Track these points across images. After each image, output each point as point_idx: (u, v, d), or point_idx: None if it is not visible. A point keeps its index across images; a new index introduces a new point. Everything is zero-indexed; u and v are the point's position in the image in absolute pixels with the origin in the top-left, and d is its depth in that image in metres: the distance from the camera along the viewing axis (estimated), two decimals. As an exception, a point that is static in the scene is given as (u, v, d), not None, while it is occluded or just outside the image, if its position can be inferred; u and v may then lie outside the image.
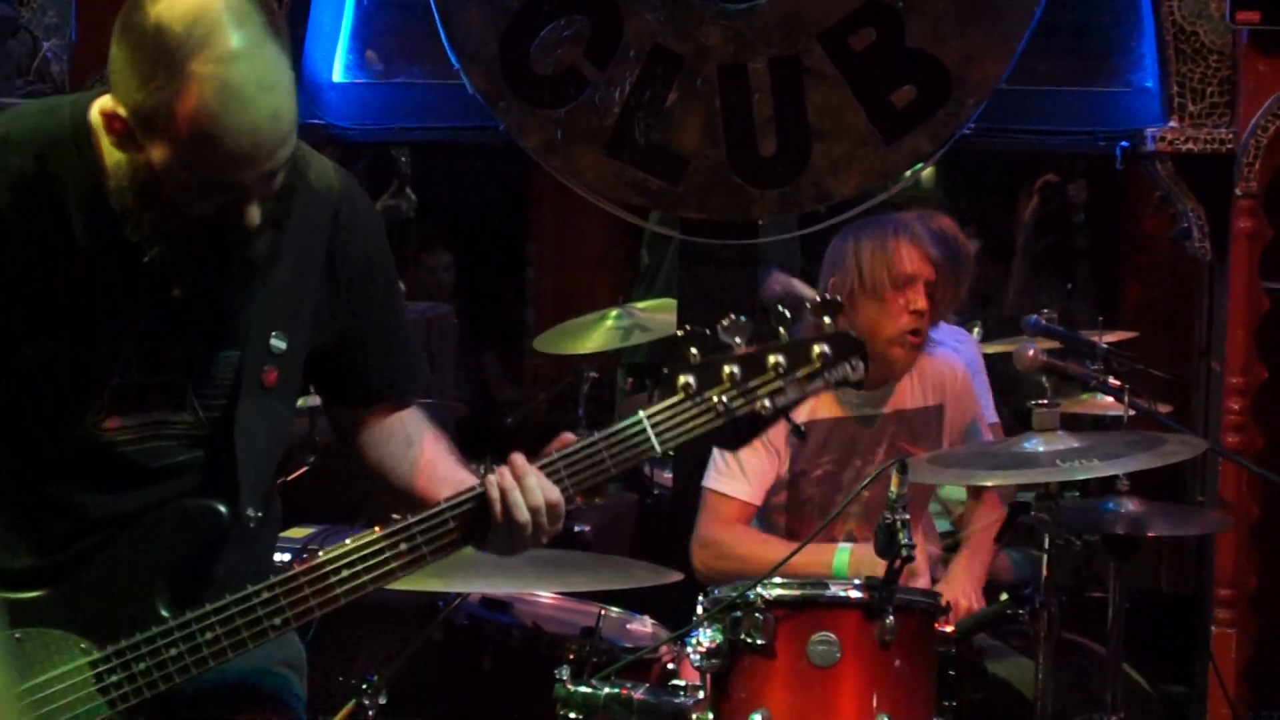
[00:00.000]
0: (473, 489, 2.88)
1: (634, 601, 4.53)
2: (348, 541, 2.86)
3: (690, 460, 5.12)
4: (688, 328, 2.81)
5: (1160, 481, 5.41)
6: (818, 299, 2.91)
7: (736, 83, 5.42)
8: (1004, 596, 4.26)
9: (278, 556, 4.82)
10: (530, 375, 9.36)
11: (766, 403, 2.80)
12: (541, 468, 2.86)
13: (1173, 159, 5.32)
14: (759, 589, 3.81)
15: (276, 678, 3.05)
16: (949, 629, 4.05)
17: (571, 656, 4.20)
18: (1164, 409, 5.16)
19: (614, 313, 6.53)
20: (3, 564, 2.84)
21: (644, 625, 4.57)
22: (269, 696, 3.03)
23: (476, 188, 9.24)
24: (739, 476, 4.60)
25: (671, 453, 2.89)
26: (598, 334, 6.51)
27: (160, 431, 2.83)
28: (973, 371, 4.92)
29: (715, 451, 4.63)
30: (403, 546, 2.86)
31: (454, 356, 7.33)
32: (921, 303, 4.54)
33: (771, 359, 2.80)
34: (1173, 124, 5.35)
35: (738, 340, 2.80)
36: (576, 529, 5.80)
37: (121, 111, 2.61)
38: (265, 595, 2.80)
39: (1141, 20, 5.58)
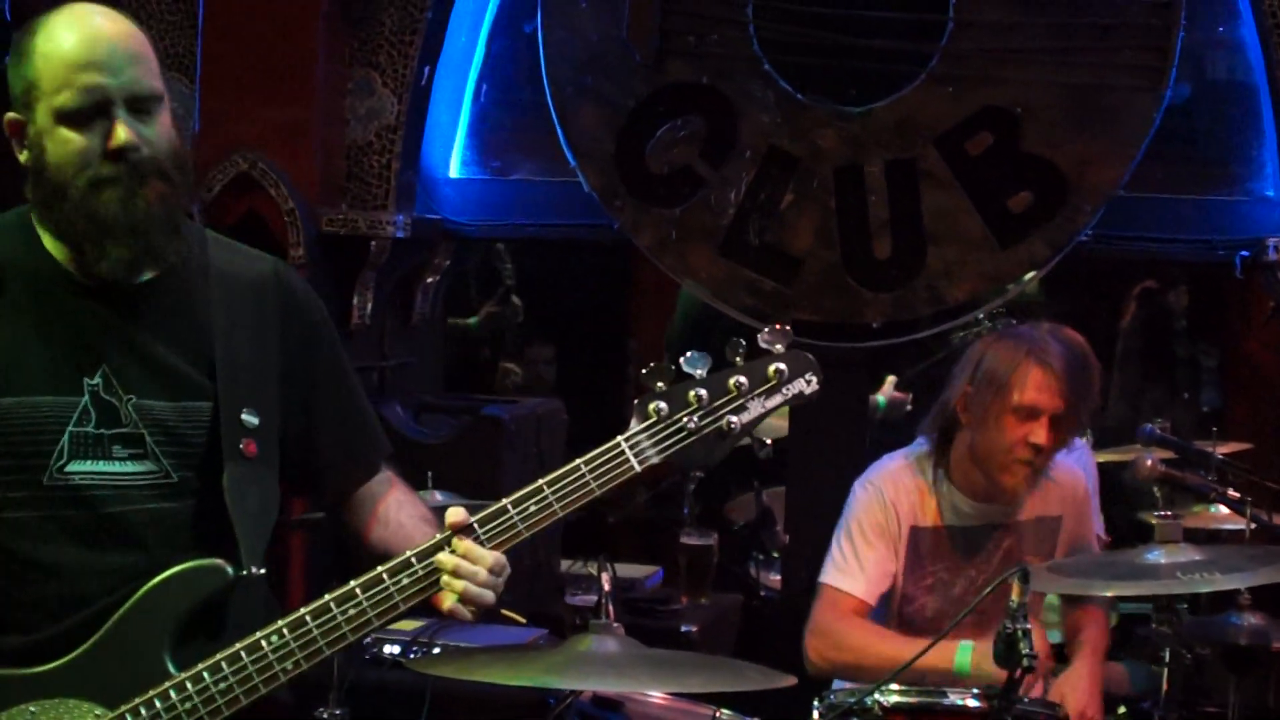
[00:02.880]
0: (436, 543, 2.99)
1: (745, 704, 4.49)
2: (351, 581, 2.95)
3: (799, 564, 5.09)
4: (651, 365, 3.01)
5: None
6: (767, 330, 3.08)
7: (852, 185, 5.43)
8: (1122, 710, 4.21)
9: (388, 649, 4.89)
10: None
11: (731, 419, 3.00)
12: (529, 494, 2.98)
13: (1293, 269, 5.29)
14: (876, 695, 3.77)
15: None
16: (1067, 739, 4.00)
17: (682, 758, 4.17)
18: (1281, 522, 5.08)
19: (721, 412, 6.51)
20: (12, 641, 2.92)
21: (755, 729, 4.53)
22: None
23: (579, 282, 9.28)
24: (857, 573, 4.55)
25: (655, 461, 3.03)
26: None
27: (129, 481, 2.94)
28: (1092, 486, 4.86)
29: (834, 546, 4.60)
30: (404, 580, 2.96)
31: (563, 452, 7.33)
32: (1042, 437, 4.42)
33: (732, 380, 3.00)
34: (1294, 234, 5.32)
35: (699, 371, 3.01)
36: (683, 629, 5.76)
37: (14, 115, 2.93)
38: (275, 640, 2.90)
39: (1263, 128, 5.56)
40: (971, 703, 3.77)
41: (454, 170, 6.49)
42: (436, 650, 4.93)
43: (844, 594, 4.55)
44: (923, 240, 5.40)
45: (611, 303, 9.61)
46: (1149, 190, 5.69)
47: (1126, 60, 5.32)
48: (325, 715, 4.44)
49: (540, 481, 2.99)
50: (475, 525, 2.98)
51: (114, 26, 2.92)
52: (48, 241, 2.98)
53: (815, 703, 3.95)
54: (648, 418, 2.99)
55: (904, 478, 4.62)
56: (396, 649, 4.95)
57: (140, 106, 2.91)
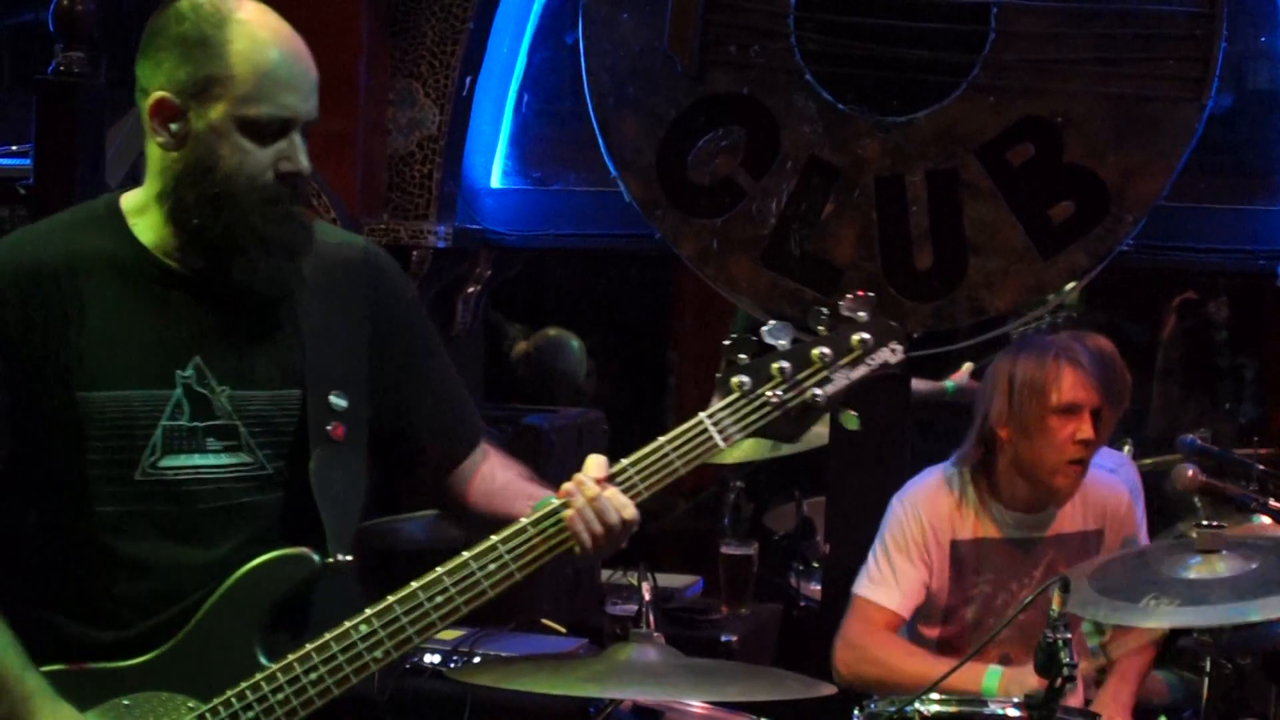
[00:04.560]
0: (554, 509, 2.97)
1: (785, 714, 4.49)
2: (437, 569, 2.94)
3: (840, 574, 5.09)
4: (734, 336, 2.97)
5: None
6: (849, 296, 3.03)
7: (893, 195, 5.43)
8: (1161, 719, 4.19)
9: (428, 658, 4.91)
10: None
11: (816, 392, 2.96)
12: (615, 475, 2.96)
13: (1335, 278, 5.27)
14: (916, 705, 3.77)
15: None
16: (1106, 750, 3.99)
17: (722, 767, 4.18)
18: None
19: (761, 422, 6.51)
20: (105, 636, 2.92)
21: (794, 738, 4.53)
22: None
23: (620, 293, 9.28)
24: (891, 586, 4.56)
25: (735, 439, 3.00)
26: (745, 443, 6.44)
27: (222, 474, 2.94)
28: (1136, 500, 4.85)
29: (869, 559, 4.61)
30: (491, 566, 2.95)
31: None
32: (1089, 431, 4.46)
33: (815, 351, 2.95)
34: (1336, 243, 5.31)
35: (782, 342, 2.96)
36: (723, 639, 5.76)
37: (170, 97, 2.87)
38: (364, 629, 2.90)
39: (1304, 138, 5.55)
40: (1011, 712, 3.77)
41: (495, 180, 6.51)
42: (477, 659, 4.94)
43: (876, 606, 4.56)
44: (964, 250, 5.39)
45: (652, 314, 9.62)
46: (1190, 200, 5.68)
47: (1168, 71, 5.31)
48: (366, 723, 4.46)
49: (624, 461, 2.97)
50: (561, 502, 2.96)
51: (301, 45, 2.94)
52: (140, 229, 2.96)
53: (855, 712, 3.95)
54: (730, 392, 2.95)
55: (940, 494, 4.63)
56: (437, 658, 4.96)
57: (307, 131, 2.94)
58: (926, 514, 4.59)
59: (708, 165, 5.56)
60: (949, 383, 7.09)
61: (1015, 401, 4.50)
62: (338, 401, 2.99)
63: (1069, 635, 3.60)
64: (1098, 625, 5.39)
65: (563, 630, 5.38)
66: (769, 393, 2.95)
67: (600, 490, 2.96)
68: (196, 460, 2.92)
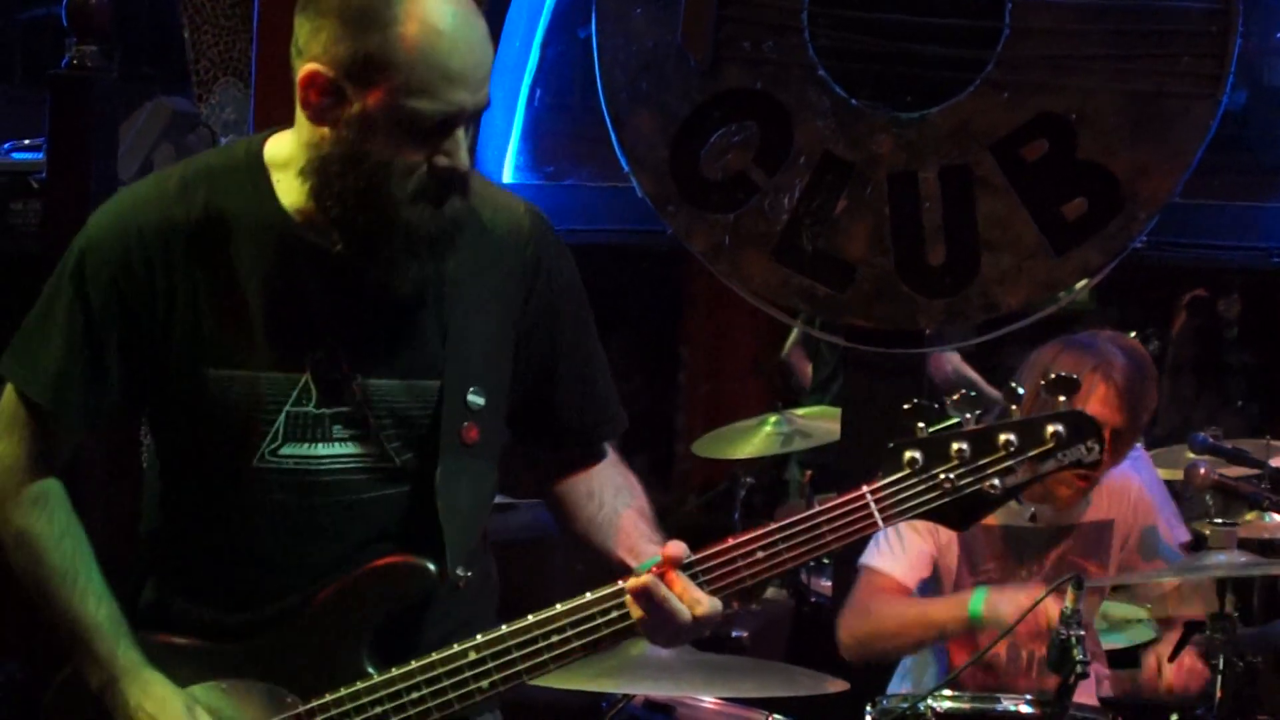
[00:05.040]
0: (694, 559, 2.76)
1: (797, 709, 4.49)
2: (557, 605, 2.77)
3: (851, 571, 5.08)
4: (915, 401, 2.74)
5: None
6: (1054, 376, 2.81)
7: (906, 191, 5.43)
8: (1174, 717, 4.19)
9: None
10: (679, 479, 9.35)
11: (996, 482, 2.70)
12: (760, 537, 2.75)
13: (1349, 274, 5.27)
14: (929, 701, 3.78)
15: None
16: (1120, 747, 3.99)
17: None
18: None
19: (773, 418, 6.52)
20: (209, 615, 2.84)
21: (806, 734, 4.54)
22: None
23: (631, 289, 9.30)
24: (898, 555, 4.54)
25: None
26: (756, 439, 6.50)
27: (346, 465, 2.79)
28: (1151, 489, 4.83)
29: (879, 533, 4.59)
30: (614, 614, 2.76)
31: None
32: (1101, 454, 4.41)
33: (1002, 437, 2.70)
34: (1349, 240, 5.30)
35: (967, 416, 2.71)
36: (734, 634, 5.77)
37: (326, 71, 2.61)
38: (472, 656, 2.76)
39: (1318, 136, 5.54)
40: (1024, 709, 3.77)
41: (507, 175, 6.53)
42: (488, 653, 4.94)
43: (881, 573, 4.53)
44: (977, 246, 5.39)
45: (663, 309, 9.64)
46: (1204, 197, 5.68)
47: (1183, 67, 5.30)
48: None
49: (773, 525, 2.76)
50: (692, 562, 2.74)
51: (479, 31, 2.65)
52: (283, 188, 2.75)
53: (868, 708, 3.94)
54: (900, 469, 2.70)
55: (958, 474, 4.62)
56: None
57: (476, 120, 2.74)
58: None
59: (720, 161, 5.55)
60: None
61: (1041, 396, 4.48)
62: (475, 400, 2.81)
63: (1082, 632, 3.61)
64: (1113, 626, 5.41)
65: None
66: (943, 475, 2.69)
67: (667, 596, 2.73)
68: (320, 450, 2.77)
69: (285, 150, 2.77)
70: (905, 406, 2.73)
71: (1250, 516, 5.75)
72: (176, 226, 2.73)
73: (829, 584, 6.18)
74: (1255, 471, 5.26)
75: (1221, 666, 4.03)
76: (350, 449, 2.79)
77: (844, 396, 5.94)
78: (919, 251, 5.42)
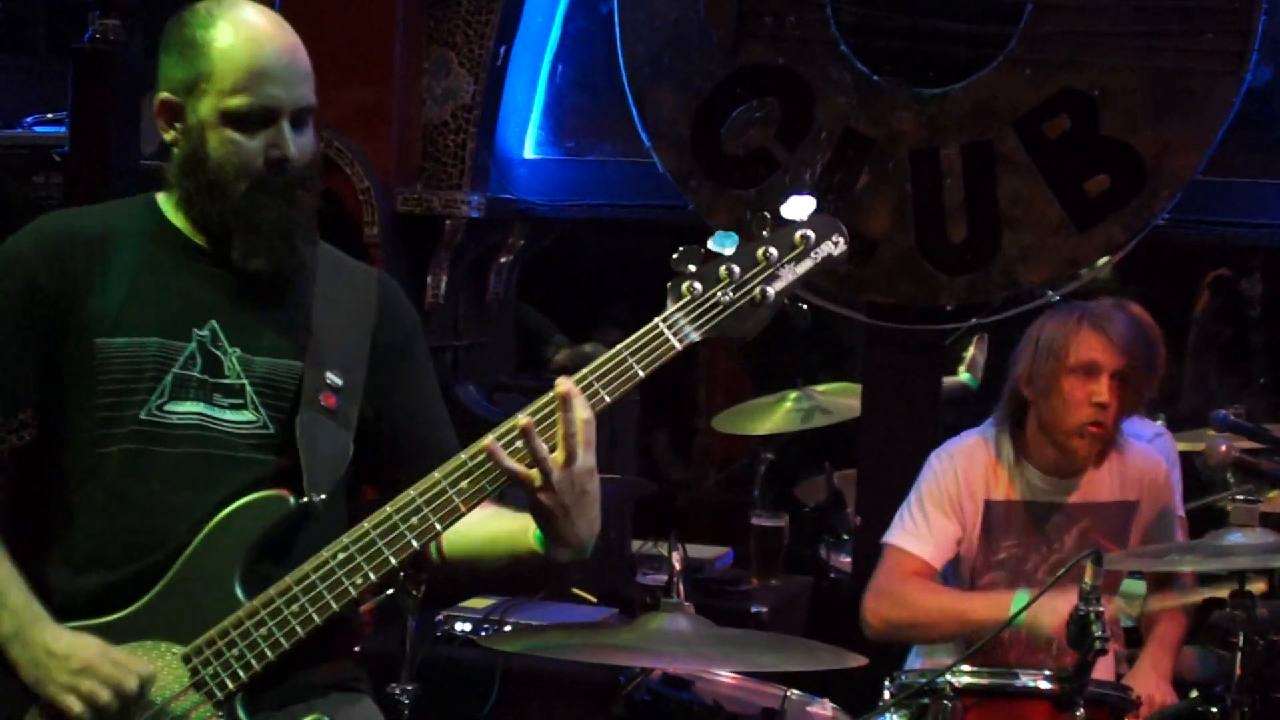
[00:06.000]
0: (514, 424, 2.98)
1: (816, 685, 4.49)
2: (410, 490, 2.97)
3: (870, 546, 5.09)
4: (681, 248, 3.04)
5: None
6: (790, 199, 3.11)
7: (928, 168, 5.42)
8: (1194, 694, 4.18)
9: (459, 626, 4.93)
10: (699, 455, 9.33)
11: (766, 289, 3.03)
12: (576, 384, 2.97)
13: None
14: (948, 676, 3.77)
15: None
16: (1138, 725, 3.98)
17: (751, 737, 4.19)
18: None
19: (793, 395, 6.51)
20: (91, 582, 3.00)
21: (824, 709, 4.53)
22: None
23: (650, 266, 9.28)
24: (925, 536, 4.54)
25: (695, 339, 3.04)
26: (776, 415, 6.47)
27: (227, 429, 3.05)
28: (1173, 471, 4.83)
29: (902, 510, 4.59)
30: (463, 484, 2.97)
31: (635, 431, 7.34)
32: (1104, 395, 4.42)
33: (760, 251, 3.05)
34: (1371, 218, 5.28)
35: (727, 249, 3.05)
36: (753, 610, 5.77)
37: (170, 96, 3.06)
38: (341, 556, 2.96)
39: (1343, 113, 5.52)
40: (1043, 684, 3.76)
41: (529, 150, 6.52)
42: (508, 628, 4.95)
43: (908, 554, 4.53)
44: (998, 224, 5.38)
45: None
46: (1227, 174, 5.66)
47: (1207, 44, 5.28)
48: (397, 691, 4.47)
49: (584, 371, 3.00)
50: (526, 416, 2.96)
51: (288, 38, 3.07)
52: (170, 212, 3.14)
53: (886, 683, 3.94)
54: (682, 297, 3.03)
55: (978, 452, 4.62)
56: (468, 626, 4.98)
57: (300, 118, 3.07)
58: (963, 470, 4.58)
59: (742, 136, 5.56)
60: (966, 375, 7.07)
61: (1036, 361, 4.50)
62: (334, 379, 3.12)
63: (1101, 609, 3.59)
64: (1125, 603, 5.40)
65: (593, 599, 5.40)
66: (718, 293, 3.03)
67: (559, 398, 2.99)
68: (202, 408, 3.05)
69: (169, 191, 3.17)
70: (674, 256, 3.05)
71: (1273, 494, 5.75)
72: (79, 234, 3.11)
73: (848, 560, 6.18)
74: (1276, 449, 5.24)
75: (1241, 644, 4.01)
76: (230, 415, 3.07)
77: (865, 372, 5.94)
78: (940, 228, 5.42)
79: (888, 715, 3.82)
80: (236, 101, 3.01)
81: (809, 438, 6.68)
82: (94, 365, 3.02)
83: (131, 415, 3.01)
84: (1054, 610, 3.91)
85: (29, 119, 5.78)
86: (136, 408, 3.01)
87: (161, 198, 3.17)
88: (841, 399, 6.41)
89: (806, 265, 3.07)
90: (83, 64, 5.15)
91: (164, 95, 3.08)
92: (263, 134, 3.03)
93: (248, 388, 3.07)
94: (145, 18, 5.11)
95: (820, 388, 6.61)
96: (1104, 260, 5.52)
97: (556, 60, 6.48)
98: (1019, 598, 4.27)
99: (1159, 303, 8.18)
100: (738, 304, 3.04)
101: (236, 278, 3.09)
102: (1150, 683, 4.47)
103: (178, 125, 3.08)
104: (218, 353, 3.06)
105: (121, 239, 3.11)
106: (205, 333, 3.06)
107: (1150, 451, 4.73)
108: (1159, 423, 5.90)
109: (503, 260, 6.70)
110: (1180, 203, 5.38)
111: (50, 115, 5.73)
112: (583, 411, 2.94)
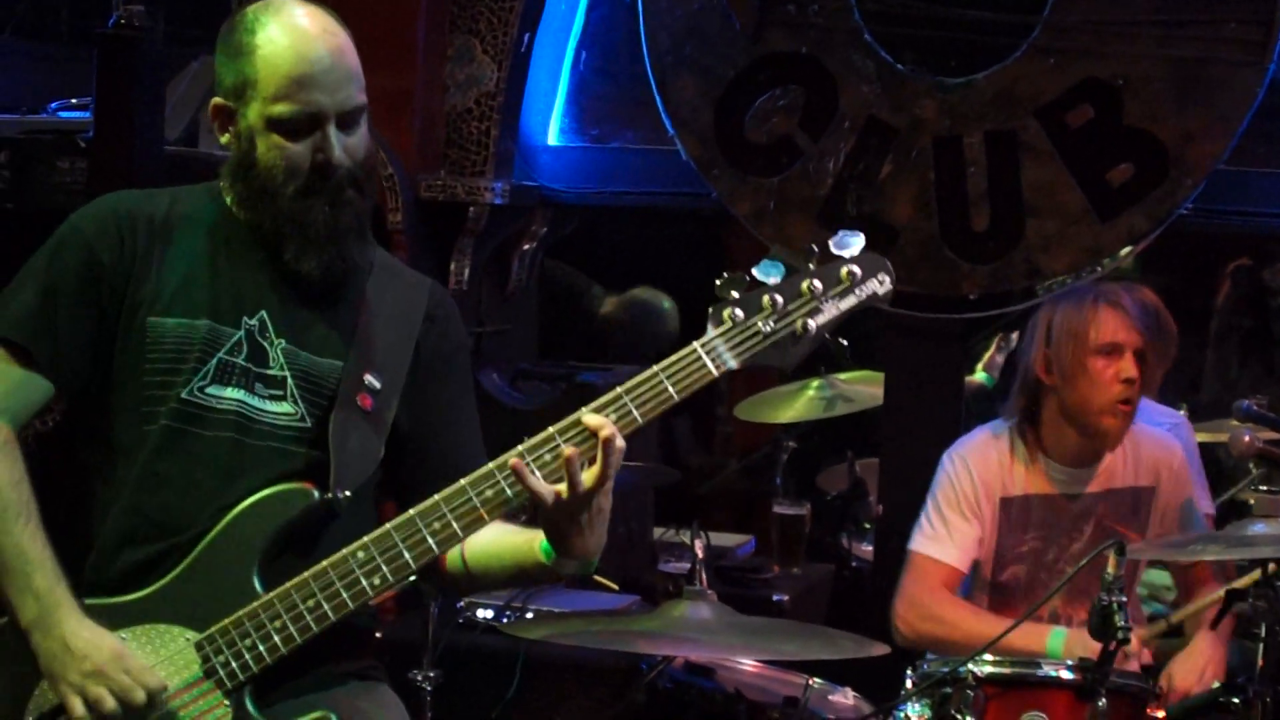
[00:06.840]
0: (545, 436, 2.99)
1: (837, 673, 4.50)
2: (435, 496, 2.99)
3: (892, 535, 5.10)
4: (726, 274, 3.05)
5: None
6: (840, 233, 3.12)
7: (951, 156, 5.41)
8: (1216, 684, 4.18)
9: (481, 613, 4.94)
10: (721, 443, 9.33)
11: (807, 321, 3.03)
12: (609, 403, 2.98)
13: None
14: (970, 665, 3.77)
15: None
16: (1160, 714, 3.98)
17: (773, 725, 4.20)
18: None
19: (815, 383, 6.50)
20: (104, 569, 3.03)
21: (846, 697, 4.54)
22: None
23: (672, 253, 9.28)
24: (947, 541, 4.55)
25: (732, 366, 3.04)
26: (799, 403, 6.47)
27: (265, 418, 3.09)
28: (1191, 459, 4.83)
29: (923, 517, 4.61)
30: (489, 492, 2.99)
31: (657, 421, 7.35)
32: (1132, 370, 4.46)
33: (805, 284, 3.04)
34: (1392, 208, 5.27)
35: (773, 279, 3.05)
36: (775, 598, 5.78)
37: (222, 100, 3.12)
38: (360, 555, 2.98)
39: (1367, 103, 5.50)
40: (1065, 674, 3.77)
41: (552, 138, 6.52)
42: (530, 615, 4.97)
43: (935, 561, 4.55)
44: (1021, 212, 5.37)
45: (706, 273, 9.59)
46: (1250, 164, 5.65)
47: (1230, 34, 5.27)
48: (419, 677, 4.49)
49: (619, 389, 3.00)
50: (556, 434, 2.97)
51: (334, 41, 3.09)
52: (231, 201, 3.18)
53: (908, 672, 3.95)
54: (723, 324, 3.03)
55: (990, 450, 4.63)
56: (490, 613, 5.00)
57: (348, 120, 3.11)
58: (977, 469, 4.59)
59: (765, 124, 5.55)
60: (984, 375, 7.07)
61: (1055, 347, 4.51)
62: (372, 381, 3.15)
63: (1124, 598, 3.60)
64: (1153, 593, 5.40)
65: (615, 587, 5.40)
66: (760, 323, 3.02)
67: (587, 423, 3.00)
68: (242, 395, 3.08)
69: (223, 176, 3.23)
70: (718, 281, 3.04)
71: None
72: (143, 214, 3.15)
73: (869, 549, 6.18)
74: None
75: (1264, 635, 4.00)
76: (270, 406, 3.10)
77: (886, 360, 5.94)
78: (963, 217, 5.41)
79: (909, 704, 3.83)
80: (280, 108, 3.04)
81: (831, 426, 6.68)
82: (145, 343, 3.06)
83: (175, 394, 3.05)
84: (1086, 646, 3.91)
85: (54, 104, 5.80)
86: (180, 387, 3.05)
87: (224, 186, 3.21)
88: (864, 387, 6.40)
89: (850, 301, 3.07)
90: (107, 50, 5.17)
91: (217, 100, 3.14)
92: (309, 139, 3.06)
93: (289, 380, 3.11)
94: (168, 3, 5.12)
95: (842, 375, 6.60)
96: (1126, 249, 5.51)
97: (580, 47, 6.49)
98: (1055, 634, 4.29)
99: (1180, 292, 8.17)
100: (778, 335, 3.03)
101: (291, 275, 3.13)
102: (1187, 671, 4.45)
103: (230, 129, 3.12)
104: (264, 343, 3.11)
105: (184, 224, 3.15)
106: (254, 322, 3.11)
107: (1163, 435, 4.75)
108: (1181, 412, 5.89)
109: (526, 247, 6.71)
110: (1202, 192, 5.36)
111: (75, 101, 5.74)
112: (619, 442, 2.94)
